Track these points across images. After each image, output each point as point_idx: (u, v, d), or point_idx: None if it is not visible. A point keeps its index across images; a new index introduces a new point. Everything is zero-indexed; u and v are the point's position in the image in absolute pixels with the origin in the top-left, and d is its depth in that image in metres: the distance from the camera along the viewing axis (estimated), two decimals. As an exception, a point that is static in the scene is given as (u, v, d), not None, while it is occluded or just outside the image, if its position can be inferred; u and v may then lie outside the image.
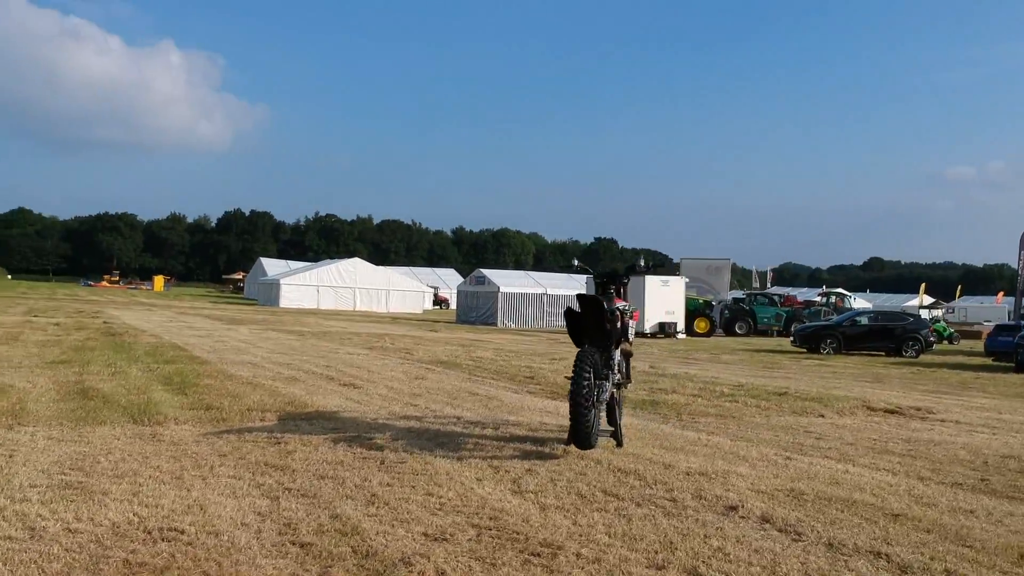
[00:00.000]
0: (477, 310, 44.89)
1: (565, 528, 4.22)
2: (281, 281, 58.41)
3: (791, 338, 28.69)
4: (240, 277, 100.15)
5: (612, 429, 6.63)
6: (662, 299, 34.65)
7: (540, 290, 46.19)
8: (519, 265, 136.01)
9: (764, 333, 41.49)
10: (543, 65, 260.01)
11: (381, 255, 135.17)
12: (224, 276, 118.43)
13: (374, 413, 7.94)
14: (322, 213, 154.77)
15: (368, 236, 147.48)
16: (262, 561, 3.56)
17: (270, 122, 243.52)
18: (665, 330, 33.84)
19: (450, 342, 20.79)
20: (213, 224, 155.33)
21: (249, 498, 4.58)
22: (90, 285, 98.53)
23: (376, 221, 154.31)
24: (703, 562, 3.77)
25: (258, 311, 43.74)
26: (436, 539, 3.97)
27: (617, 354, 6.61)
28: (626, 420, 8.22)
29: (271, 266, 77.77)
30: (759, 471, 5.85)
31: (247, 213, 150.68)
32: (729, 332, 40.36)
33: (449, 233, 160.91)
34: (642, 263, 7.49)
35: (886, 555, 3.96)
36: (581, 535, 4.11)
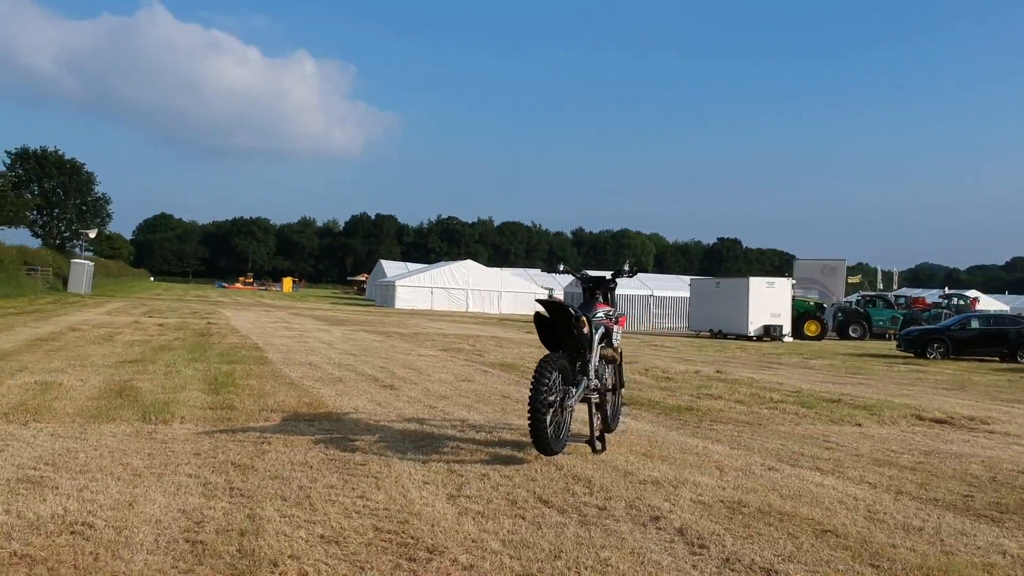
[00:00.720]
0: (583, 312, 44.80)
1: (465, 534, 4.23)
2: (396, 283, 59.79)
3: (896, 343, 27.54)
4: (363, 279, 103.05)
5: (587, 435, 6.57)
6: (766, 301, 33.73)
7: (646, 292, 45.70)
8: (640, 267, 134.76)
9: (881, 336, 39.88)
10: (667, 70, 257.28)
11: (501, 256, 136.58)
12: (349, 278, 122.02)
13: (384, 415, 8.09)
14: (444, 216, 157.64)
15: (488, 238, 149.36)
16: (141, 557, 3.72)
17: (399, 128, 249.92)
18: (770, 333, 32.96)
19: (533, 344, 20.85)
20: (341, 227, 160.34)
21: (185, 496, 4.77)
22: (224, 287, 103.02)
23: (497, 223, 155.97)
24: (576, 573, 3.72)
25: (370, 312, 44.92)
26: (328, 541, 4.05)
27: (594, 359, 6.55)
28: (638, 425, 8.19)
29: (390, 268, 79.64)
30: (723, 481, 5.69)
31: (373, 217, 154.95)
32: (843, 336, 39.04)
33: (569, 234, 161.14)
34: (626, 267, 7.41)
35: (776, 571, 3.82)
36: (474, 542, 4.12)
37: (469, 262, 64.34)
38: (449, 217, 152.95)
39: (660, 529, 4.46)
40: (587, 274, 7.39)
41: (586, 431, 6.58)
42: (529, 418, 5.78)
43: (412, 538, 4.14)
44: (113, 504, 4.54)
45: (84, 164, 74.48)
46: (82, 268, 51.84)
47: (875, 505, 5.20)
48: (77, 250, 64.31)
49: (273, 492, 4.95)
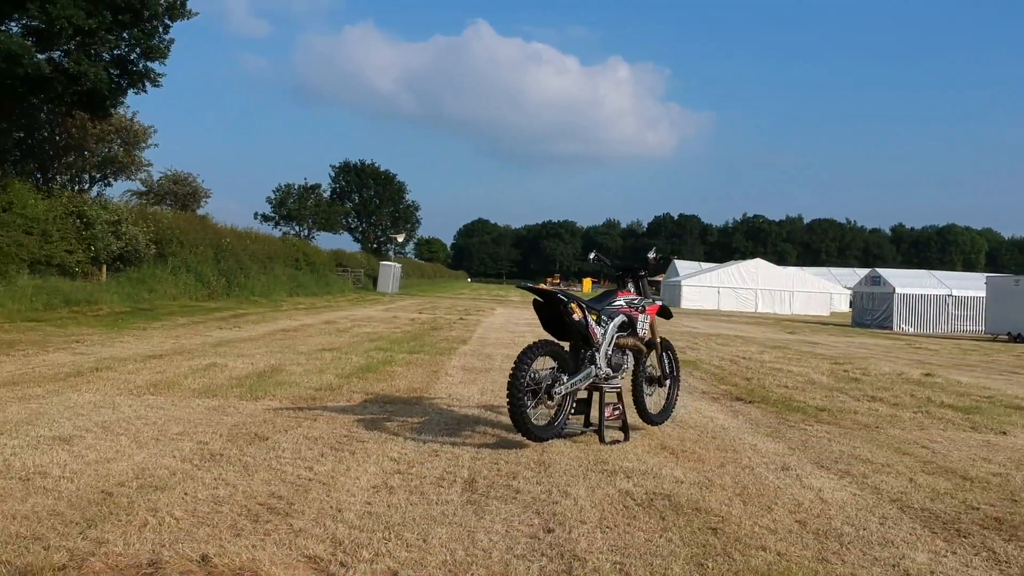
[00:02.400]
0: (872, 313, 42.02)
1: (368, 510, 4.42)
2: (682, 283, 59.36)
3: None
4: (660, 279, 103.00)
5: (594, 425, 6.44)
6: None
7: (943, 291, 41.82)
8: (968, 266, 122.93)
9: None
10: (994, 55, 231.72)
11: (811, 255, 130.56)
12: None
13: (464, 401, 8.33)
14: (750, 215, 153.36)
15: (797, 236, 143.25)
16: (44, 501, 4.30)
17: (712, 127, 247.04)
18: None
19: (773, 346, 19.98)
20: (644, 228, 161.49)
21: (156, 458, 5.35)
22: (528, 287, 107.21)
23: (806, 220, 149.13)
24: (417, 551, 3.80)
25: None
26: (218, 501, 4.43)
27: (605, 348, 6.41)
28: (722, 420, 7.79)
29: (683, 267, 78.87)
30: (699, 477, 5.36)
31: (675, 217, 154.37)
32: None
33: (887, 231, 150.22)
34: (651, 255, 7.12)
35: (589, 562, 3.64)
36: (369, 514, 4.30)
37: (759, 261, 62.34)
38: (755, 216, 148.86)
39: (545, 525, 4.37)
40: (616, 262, 7.22)
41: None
42: (507, 402, 5.82)
43: (273, 506, 4.41)
44: (86, 461, 5.19)
45: (396, 175, 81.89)
46: (389, 269, 56.64)
47: (827, 511, 4.67)
48: (390, 253, 70.41)
49: (249, 459, 5.42)
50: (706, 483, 5.25)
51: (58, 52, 19.07)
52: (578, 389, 6.28)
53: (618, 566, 3.65)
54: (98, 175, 31.93)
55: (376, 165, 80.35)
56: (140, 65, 20.39)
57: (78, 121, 26.21)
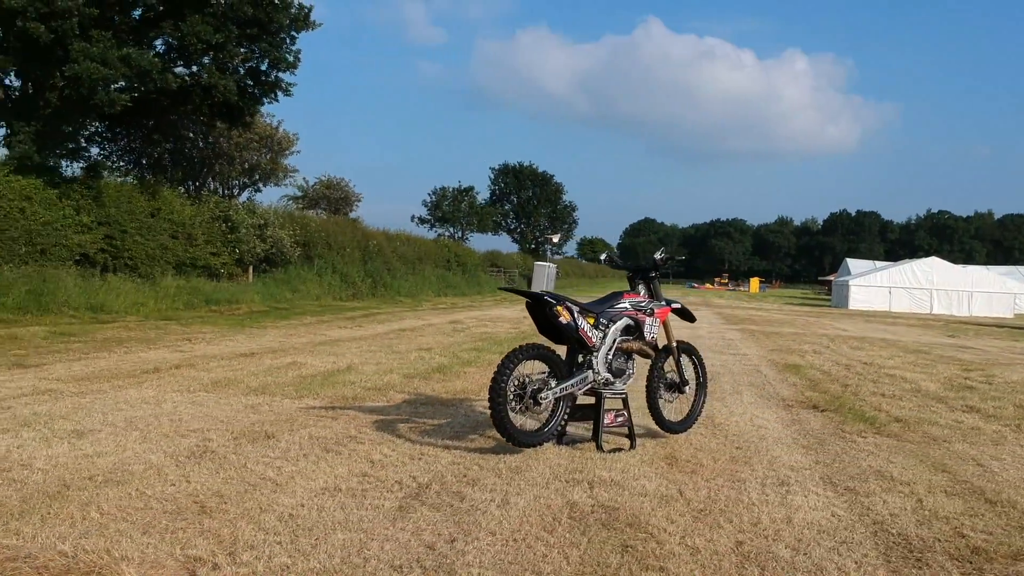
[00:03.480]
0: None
1: (266, 506, 4.45)
2: (851, 282, 56.68)
3: None
4: (831, 278, 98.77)
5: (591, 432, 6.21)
6: None
7: None
8: None
9: None
10: None
11: (1003, 253, 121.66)
12: (820, 278, 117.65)
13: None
14: (934, 210, 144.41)
15: (987, 233, 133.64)
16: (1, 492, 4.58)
17: (899, 119, 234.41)
18: None
19: (914, 350, 18.74)
20: (819, 226, 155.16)
21: (147, 454, 5.56)
22: (694, 287, 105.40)
23: (997, 216, 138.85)
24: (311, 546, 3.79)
25: (812, 313, 43.05)
26: (193, 499, 4.56)
27: (604, 353, 6.17)
28: (763, 422, 7.34)
29: (856, 266, 75.31)
30: (670, 490, 5.05)
31: (852, 213, 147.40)
32: None
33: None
34: (658, 255, 6.79)
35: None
36: (302, 505, 4.34)
37: (934, 259, 58.57)
38: (940, 211, 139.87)
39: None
40: (629, 263, 6.93)
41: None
42: (489, 406, 5.70)
43: (201, 501, 4.48)
44: (90, 453, 5.48)
45: (553, 175, 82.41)
46: (543, 269, 56.82)
47: (767, 529, 4.29)
48: (547, 253, 70.73)
49: (234, 457, 5.56)
50: (672, 497, 4.95)
51: (194, 67, 20.29)
52: (570, 394, 6.07)
53: (489, 582, 3.49)
54: (247, 181, 33.89)
55: (534, 167, 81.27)
56: (271, 76, 21.45)
57: (222, 131, 27.91)
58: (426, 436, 6.46)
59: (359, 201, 42.90)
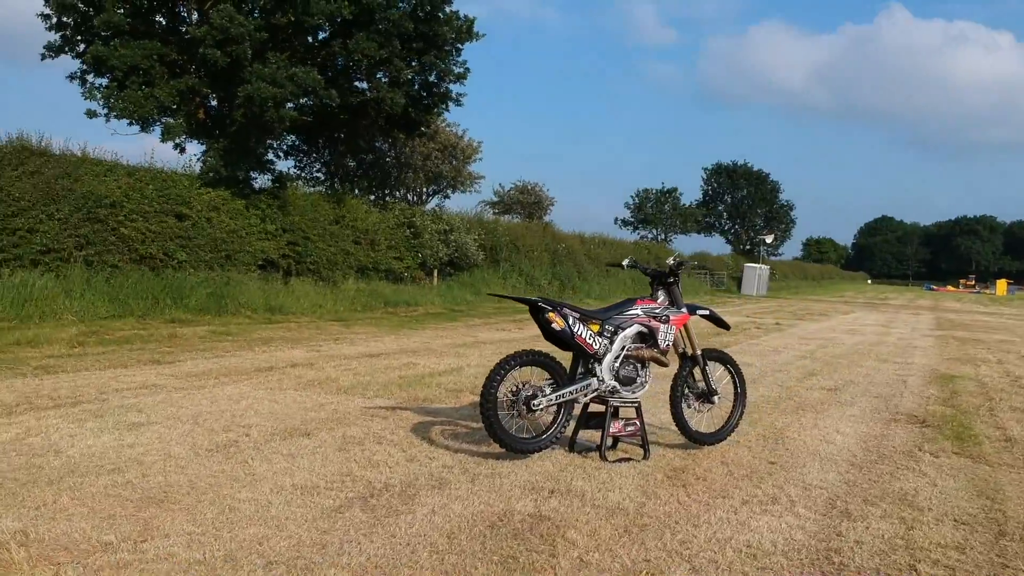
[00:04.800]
0: None
1: (207, 500, 4.70)
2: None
3: None
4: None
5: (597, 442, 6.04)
6: None
7: None
8: None
9: None
10: None
11: None
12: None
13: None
14: None
15: None
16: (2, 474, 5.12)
17: None
18: None
19: None
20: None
21: (173, 446, 6.01)
22: (932, 288, 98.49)
23: None
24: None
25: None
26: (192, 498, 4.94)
27: (610, 360, 5.99)
28: (839, 436, 6.83)
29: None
30: (640, 504, 4.82)
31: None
32: None
33: None
34: (670, 261, 6.48)
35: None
36: (188, 507, 4.59)
37: None
38: None
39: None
40: (648, 269, 6.65)
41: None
42: (479, 412, 5.70)
43: (166, 488, 4.78)
44: (125, 444, 5.99)
45: (768, 174, 79.26)
46: (754, 271, 55.22)
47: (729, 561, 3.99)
48: (762, 254, 68.39)
49: (247, 452, 5.89)
50: (623, 511, 4.75)
51: (363, 83, 21.42)
52: (570, 401, 5.95)
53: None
54: (434, 189, 35.21)
55: (749, 165, 78.70)
56: (441, 88, 22.25)
57: (405, 143, 29.13)
58: (451, 439, 6.53)
59: (552, 205, 43.50)
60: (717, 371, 6.82)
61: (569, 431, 6.25)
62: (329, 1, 17.89)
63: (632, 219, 64.69)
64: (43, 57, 19.30)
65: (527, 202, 42.12)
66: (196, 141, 20.51)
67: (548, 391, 5.86)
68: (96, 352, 11.02)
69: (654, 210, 63.35)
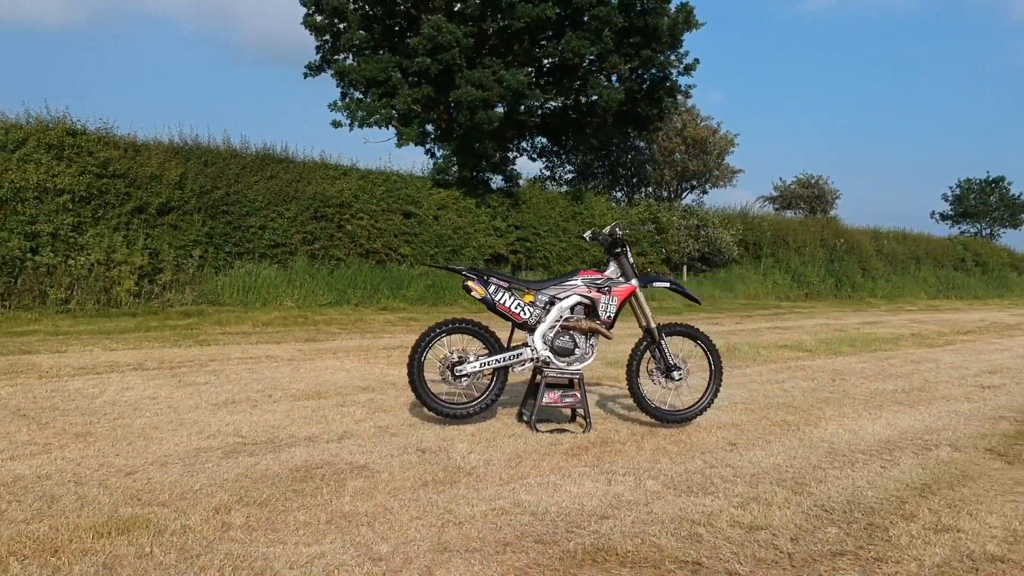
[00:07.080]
0: None
1: (142, 475, 5.48)
2: None
3: None
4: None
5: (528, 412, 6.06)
6: None
7: None
8: None
9: None
10: None
11: None
12: None
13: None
14: None
15: None
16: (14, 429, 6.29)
17: None
18: None
19: None
20: None
21: (191, 402, 6.94)
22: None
23: None
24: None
25: None
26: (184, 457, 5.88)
27: (543, 329, 6.11)
28: (861, 431, 6.30)
29: None
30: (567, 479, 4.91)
31: None
32: None
33: None
34: (605, 230, 6.30)
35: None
36: (121, 481, 5.39)
37: None
38: None
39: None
40: (601, 237, 6.47)
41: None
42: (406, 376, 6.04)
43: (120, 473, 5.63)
44: (171, 404, 7.04)
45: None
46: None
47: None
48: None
49: (257, 408, 6.69)
50: (469, 471, 4.86)
51: (577, 82, 21.73)
52: (502, 368, 6.10)
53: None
54: (691, 185, 34.37)
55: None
56: (667, 82, 21.95)
57: (648, 139, 28.84)
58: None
59: (837, 198, 40.65)
60: (686, 346, 6.56)
61: (513, 403, 6.36)
62: (534, 4, 18.56)
63: (951, 212, 58.21)
64: (305, 76, 21.96)
65: (809, 196, 39.93)
66: (437, 145, 22.15)
67: (472, 359, 6.05)
68: (270, 331, 12.51)
69: (977, 201, 56.47)
